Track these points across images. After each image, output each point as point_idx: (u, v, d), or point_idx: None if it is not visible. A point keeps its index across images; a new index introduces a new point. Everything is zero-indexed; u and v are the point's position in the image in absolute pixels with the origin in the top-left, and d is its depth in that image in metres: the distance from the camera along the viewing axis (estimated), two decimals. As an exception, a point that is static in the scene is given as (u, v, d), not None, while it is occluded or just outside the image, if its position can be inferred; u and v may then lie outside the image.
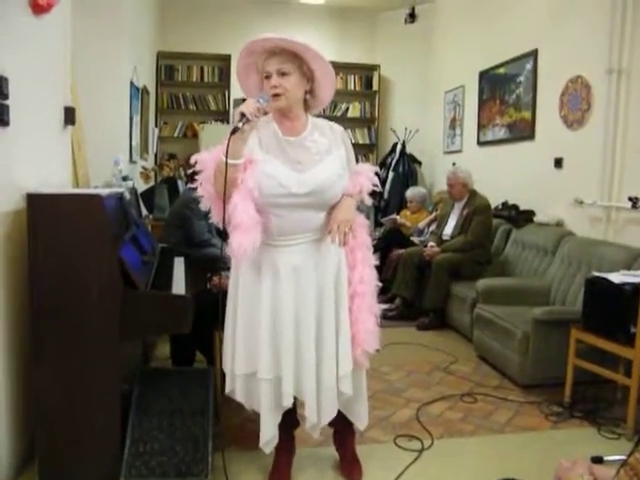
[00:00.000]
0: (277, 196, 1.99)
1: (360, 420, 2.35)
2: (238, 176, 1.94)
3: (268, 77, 2.03)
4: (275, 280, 2.08)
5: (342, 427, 2.39)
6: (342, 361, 2.15)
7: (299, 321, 2.08)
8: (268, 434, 2.15)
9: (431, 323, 4.69)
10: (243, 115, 1.89)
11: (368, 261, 2.21)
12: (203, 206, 2.08)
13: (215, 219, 2.09)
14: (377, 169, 2.26)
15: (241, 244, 1.94)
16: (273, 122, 2.10)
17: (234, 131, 1.88)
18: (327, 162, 2.08)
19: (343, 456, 2.45)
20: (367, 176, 2.17)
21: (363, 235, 2.21)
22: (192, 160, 2.04)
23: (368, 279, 2.19)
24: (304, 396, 2.11)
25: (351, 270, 2.19)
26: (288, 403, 2.10)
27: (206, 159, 2.02)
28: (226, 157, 1.88)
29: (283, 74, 2.01)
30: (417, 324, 4.70)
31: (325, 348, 2.12)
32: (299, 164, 2.04)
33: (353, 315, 2.17)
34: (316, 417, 2.12)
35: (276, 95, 2.01)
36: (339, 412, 2.22)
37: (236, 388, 2.20)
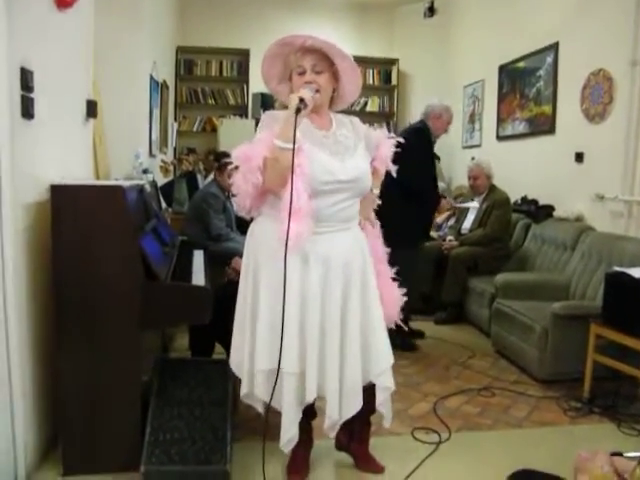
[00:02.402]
0: (324, 183, 2.00)
1: (389, 414, 2.30)
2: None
3: (302, 73, 2.06)
4: (304, 269, 2.05)
5: (361, 426, 2.38)
6: (380, 356, 2.16)
7: (325, 316, 2.06)
8: (290, 432, 2.10)
9: (449, 317, 4.68)
10: (302, 100, 1.91)
11: (378, 234, 2.36)
12: (238, 201, 2.08)
13: (243, 212, 2.12)
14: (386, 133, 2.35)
15: (299, 231, 1.92)
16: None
17: (298, 111, 1.88)
18: (359, 154, 2.15)
19: (360, 455, 2.43)
20: (385, 145, 2.29)
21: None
22: (233, 154, 2.03)
23: (381, 251, 2.35)
24: (326, 393, 2.09)
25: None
26: (310, 399, 2.08)
27: (251, 150, 1.99)
28: (294, 137, 1.87)
29: (317, 72, 2.05)
30: (435, 318, 4.69)
31: (350, 344, 2.10)
32: (338, 153, 2.08)
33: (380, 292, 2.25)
34: (337, 414, 2.10)
35: (316, 91, 2.04)
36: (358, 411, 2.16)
37: (257, 385, 2.11)
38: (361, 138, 2.20)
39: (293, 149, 1.88)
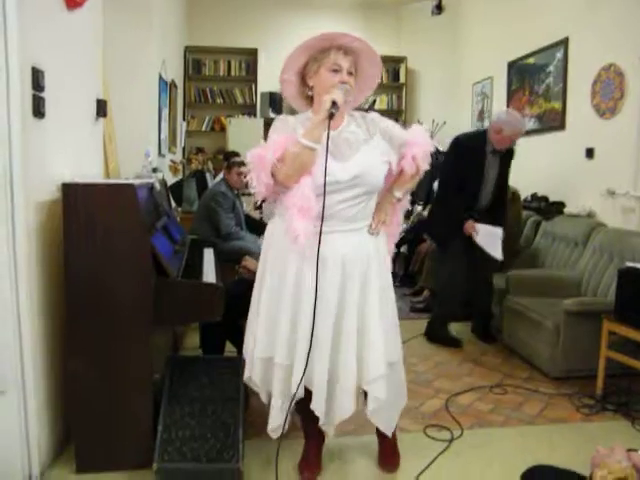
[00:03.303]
0: (322, 185, 1.98)
1: (385, 425, 2.30)
2: (315, 161, 1.98)
3: (336, 71, 2.06)
4: (302, 267, 2.08)
5: (381, 437, 2.38)
6: (373, 364, 2.12)
7: (318, 312, 2.04)
8: (277, 420, 2.15)
9: (460, 315, 4.65)
10: (334, 103, 1.94)
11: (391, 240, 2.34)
12: (257, 197, 2.11)
13: (269, 208, 2.19)
14: (426, 129, 2.28)
15: (306, 229, 1.97)
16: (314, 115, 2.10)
17: (331, 116, 1.93)
18: (365, 150, 2.11)
19: (382, 445, 2.43)
20: (419, 144, 2.16)
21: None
22: (247, 155, 2.05)
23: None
24: (313, 388, 2.10)
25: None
26: (300, 394, 2.09)
27: (264, 151, 2.01)
28: (327, 141, 1.94)
29: (350, 73, 2.09)
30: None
31: (344, 345, 2.09)
32: (340, 154, 2.07)
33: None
34: (323, 410, 2.10)
35: (347, 90, 2.06)
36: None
37: (254, 372, 2.20)
38: (374, 133, 2.16)
39: (327, 150, 1.94)
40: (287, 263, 2.09)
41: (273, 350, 2.12)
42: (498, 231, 3.80)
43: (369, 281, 2.14)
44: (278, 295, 2.11)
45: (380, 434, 2.42)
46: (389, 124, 2.21)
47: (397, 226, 2.35)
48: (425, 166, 2.18)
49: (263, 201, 2.20)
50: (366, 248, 2.15)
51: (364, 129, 2.16)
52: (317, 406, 2.10)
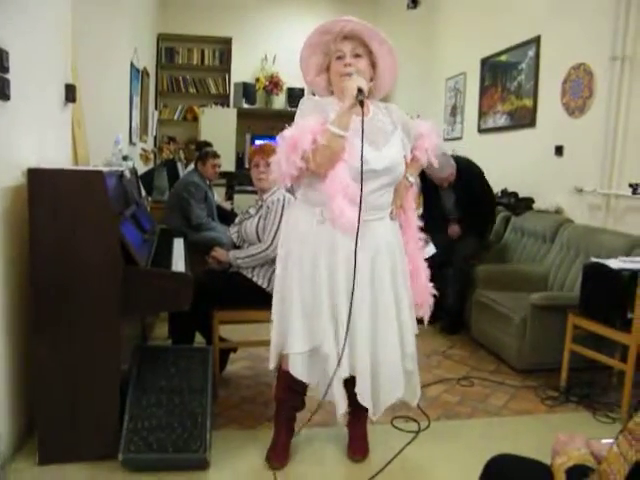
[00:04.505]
0: (359, 171, 1.97)
1: (415, 395, 2.36)
2: (344, 147, 1.97)
3: (340, 57, 2.08)
4: (333, 257, 2.08)
5: (360, 406, 2.37)
6: (406, 343, 2.20)
7: (355, 298, 2.04)
8: (342, 407, 2.13)
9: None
10: (360, 90, 1.93)
11: (412, 222, 2.34)
12: (277, 179, 2.10)
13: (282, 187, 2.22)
14: (434, 125, 2.35)
15: (350, 214, 1.96)
16: (340, 102, 2.08)
17: (361, 104, 1.91)
18: (394, 140, 2.15)
19: (353, 435, 2.45)
20: (432, 137, 2.27)
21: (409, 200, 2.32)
22: (281, 135, 2.02)
23: (414, 239, 2.34)
24: (357, 375, 2.11)
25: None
26: (345, 374, 2.09)
27: (300, 134, 1.98)
28: (362, 130, 1.91)
29: (356, 55, 2.08)
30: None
31: (385, 331, 2.13)
32: (374, 142, 2.07)
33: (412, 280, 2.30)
34: (369, 397, 2.12)
35: (349, 74, 2.04)
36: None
37: (296, 367, 2.14)
38: (397, 125, 2.19)
39: (362, 139, 1.92)
40: (319, 252, 2.08)
41: (318, 340, 2.10)
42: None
43: (396, 264, 2.19)
44: (312, 285, 2.09)
45: (354, 425, 2.44)
46: (405, 116, 2.27)
47: (413, 212, 2.36)
48: (434, 158, 2.27)
49: (291, 186, 2.19)
50: (391, 234, 2.21)
51: (389, 120, 2.18)
52: (364, 393, 2.11)
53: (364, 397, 2.13)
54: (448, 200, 4.47)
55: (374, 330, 2.13)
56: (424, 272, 2.37)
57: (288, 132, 2.01)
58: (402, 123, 2.22)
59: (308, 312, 2.10)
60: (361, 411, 2.39)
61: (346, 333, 2.01)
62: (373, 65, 2.16)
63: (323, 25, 2.09)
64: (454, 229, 4.37)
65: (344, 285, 2.06)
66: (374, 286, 2.13)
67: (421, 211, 5.28)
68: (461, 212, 4.34)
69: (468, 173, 4.34)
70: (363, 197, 1.97)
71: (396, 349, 2.17)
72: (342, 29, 2.08)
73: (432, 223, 4.24)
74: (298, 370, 2.13)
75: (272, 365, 2.27)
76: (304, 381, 2.17)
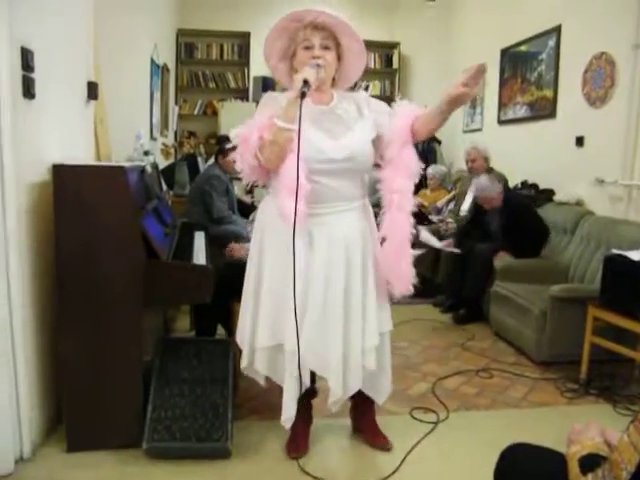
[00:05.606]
0: (316, 162, 2.01)
1: (379, 394, 2.36)
2: (292, 140, 1.95)
3: (308, 48, 2.07)
4: (307, 250, 2.08)
5: (362, 400, 2.39)
6: (367, 335, 2.17)
7: (327, 296, 2.08)
8: (290, 411, 2.15)
9: (449, 302, 4.70)
10: (306, 82, 1.92)
11: (404, 206, 2.15)
12: (244, 178, 2.11)
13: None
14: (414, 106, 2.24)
15: (299, 209, 1.93)
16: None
17: (303, 95, 1.89)
18: (358, 128, 2.13)
19: (365, 428, 2.48)
20: (406, 110, 2.19)
21: (404, 180, 2.15)
22: (232, 134, 2.05)
23: (399, 224, 2.15)
24: (329, 370, 2.12)
25: (384, 214, 2.18)
26: (307, 382, 2.13)
27: (248, 132, 2.01)
28: (299, 121, 1.88)
29: (325, 48, 2.08)
30: (434, 301, 4.71)
31: (352, 322, 2.13)
32: (333, 131, 2.08)
33: (381, 259, 2.21)
34: (341, 391, 2.14)
35: (318, 66, 2.03)
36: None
37: (257, 361, 2.20)
38: (364, 112, 2.18)
39: (299, 132, 1.89)
40: (288, 248, 2.02)
41: (281, 337, 2.11)
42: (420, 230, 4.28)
43: (367, 257, 2.18)
44: (282, 281, 2.07)
45: (361, 418, 2.47)
46: (375, 100, 2.25)
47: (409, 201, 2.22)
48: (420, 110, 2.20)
49: (255, 185, 2.21)
50: (362, 225, 2.19)
51: (355, 108, 2.17)
52: (336, 388, 2.13)
53: (336, 392, 2.13)
54: (492, 221, 4.42)
55: (347, 322, 2.13)
56: (404, 259, 2.19)
57: (239, 130, 2.03)
58: (374, 110, 2.18)
59: (275, 309, 2.12)
60: (367, 404, 2.43)
61: (296, 324, 2.01)
62: (339, 57, 2.15)
63: (296, 12, 2.07)
64: (503, 256, 4.19)
65: (315, 284, 2.07)
66: (345, 284, 2.11)
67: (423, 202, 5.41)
68: (507, 239, 4.24)
69: (516, 204, 4.26)
70: (327, 189, 2.03)
71: (358, 342, 2.14)
72: (314, 19, 2.07)
73: (470, 228, 4.54)
74: (261, 364, 2.19)
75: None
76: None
